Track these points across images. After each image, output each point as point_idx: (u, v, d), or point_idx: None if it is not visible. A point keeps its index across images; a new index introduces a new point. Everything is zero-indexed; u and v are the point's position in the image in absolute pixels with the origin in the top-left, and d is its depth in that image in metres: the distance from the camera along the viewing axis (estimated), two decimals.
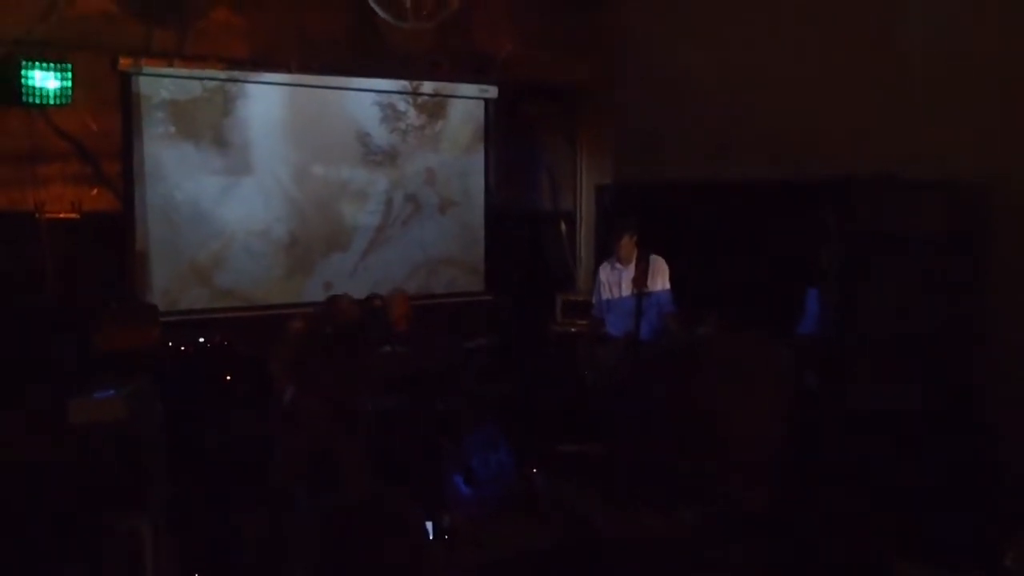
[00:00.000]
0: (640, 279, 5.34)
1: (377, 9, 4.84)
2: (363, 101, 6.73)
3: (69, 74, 5.20)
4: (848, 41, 5.72)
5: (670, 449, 5.00)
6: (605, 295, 5.64)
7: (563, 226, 7.73)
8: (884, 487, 4.77)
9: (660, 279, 5.42)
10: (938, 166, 5.08)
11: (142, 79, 5.83)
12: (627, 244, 5.47)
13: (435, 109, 7.06)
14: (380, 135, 6.79)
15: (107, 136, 5.71)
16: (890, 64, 5.53)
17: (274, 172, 6.37)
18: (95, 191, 5.67)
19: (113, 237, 5.73)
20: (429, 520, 2.99)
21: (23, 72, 5.08)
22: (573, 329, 6.40)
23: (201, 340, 5.70)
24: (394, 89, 6.82)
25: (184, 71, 5.93)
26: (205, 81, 6.05)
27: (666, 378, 5.04)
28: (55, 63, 5.15)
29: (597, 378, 5.46)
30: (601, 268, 5.69)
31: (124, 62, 5.70)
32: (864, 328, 5.03)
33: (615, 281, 5.58)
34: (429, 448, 5.08)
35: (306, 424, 4.71)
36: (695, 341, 5.21)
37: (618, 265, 5.56)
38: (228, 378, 5.55)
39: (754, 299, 5.32)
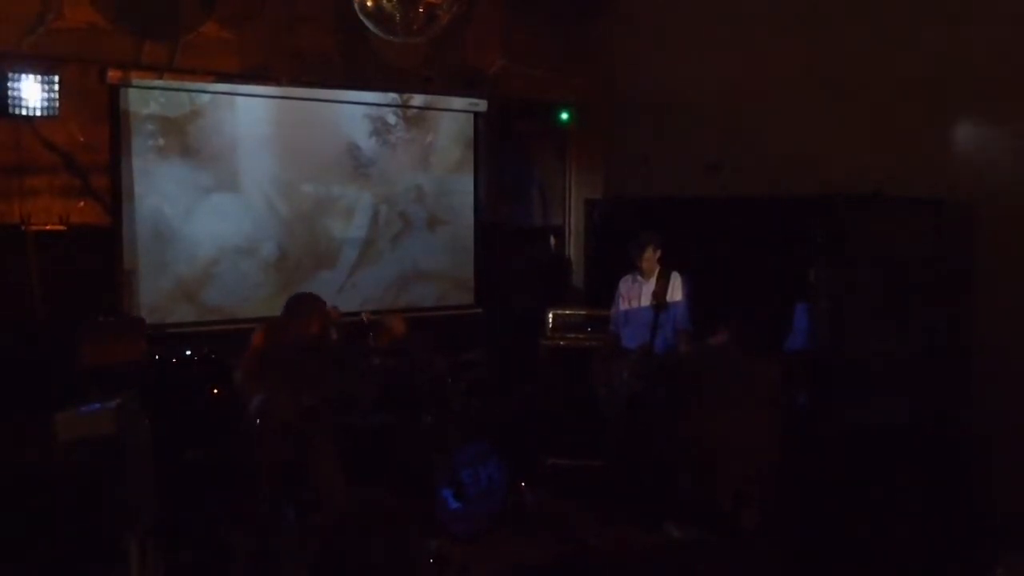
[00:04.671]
0: (660, 293, 5.39)
1: (368, 23, 4.84)
2: (353, 114, 6.72)
3: (56, 86, 5.17)
4: (837, 61, 5.77)
5: (666, 465, 5.00)
6: (623, 307, 5.68)
7: (553, 240, 7.75)
8: (874, 503, 4.79)
9: (679, 295, 5.47)
10: (925, 184, 5.12)
11: (131, 92, 5.80)
12: (649, 258, 5.54)
13: (425, 123, 7.07)
14: (369, 148, 6.79)
15: (95, 149, 5.68)
16: (878, 83, 5.58)
17: (262, 187, 6.34)
18: (82, 204, 5.63)
19: (100, 250, 5.68)
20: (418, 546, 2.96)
21: (9, 83, 5.05)
22: (563, 343, 6.39)
23: (188, 353, 5.66)
24: (384, 102, 6.82)
25: (173, 84, 5.91)
26: (194, 95, 6.02)
27: (667, 393, 5.05)
28: (42, 74, 5.13)
29: (610, 393, 5.48)
30: (622, 281, 5.74)
31: (113, 75, 5.67)
32: (853, 344, 5.05)
33: (635, 294, 5.63)
34: (419, 463, 5.05)
35: (274, 434, 4.67)
36: (696, 356, 5.25)
37: (640, 278, 5.61)
38: (215, 391, 5.51)
39: (744, 315, 5.34)
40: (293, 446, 4.67)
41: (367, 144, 6.78)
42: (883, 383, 5.00)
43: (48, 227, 5.38)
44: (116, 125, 5.77)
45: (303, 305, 5.06)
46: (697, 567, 4.57)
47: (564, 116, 7.49)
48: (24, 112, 5.11)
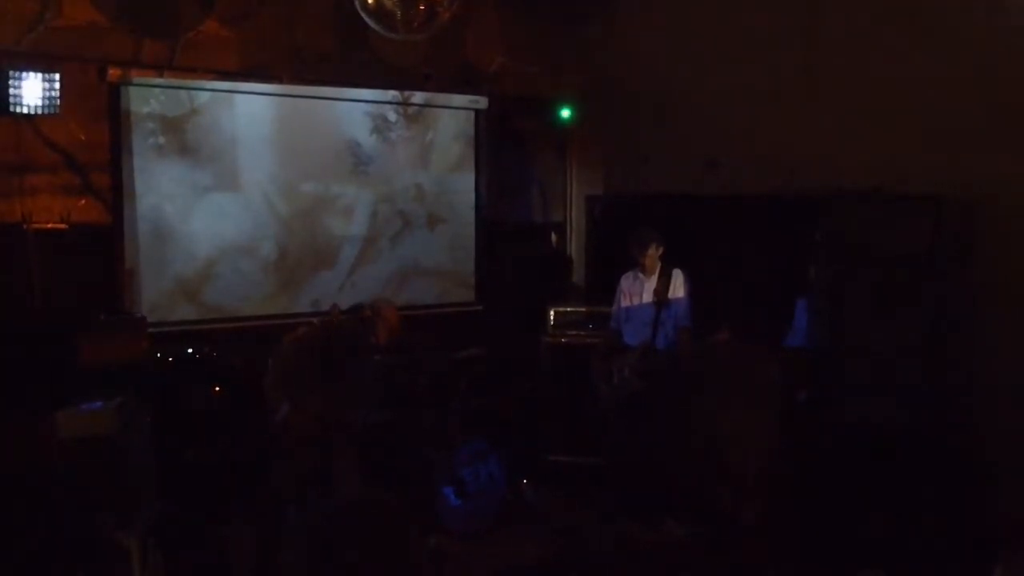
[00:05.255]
0: (661, 290, 5.40)
1: (368, 20, 4.84)
2: (353, 112, 6.72)
3: (57, 84, 5.17)
4: (834, 58, 5.77)
5: (666, 462, 5.01)
6: (625, 303, 5.68)
7: (553, 237, 7.76)
8: (873, 500, 4.79)
9: (680, 292, 5.48)
10: (924, 181, 5.12)
11: (131, 90, 5.80)
12: (651, 255, 5.55)
13: (425, 120, 7.06)
14: (370, 145, 6.79)
15: (96, 147, 5.68)
16: (876, 81, 5.58)
17: (262, 186, 6.34)
18: (83, 202, 5.64)
19: (101, 249, 5.69)
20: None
21: (10, 81, 5.05)
22: (564, 340, 6.40)
23: (190, 351, 5.67)
24: (384, 100, 6.82)
25: (173, 82, 5.91)
26: (194, 93, 6.02)
27: (668, 390, 5.06)
28: (43, 72, 5.13)
29: (611, 390, 5.49)
30: (623, 277, 5.74)
31: (113, 73, 5.67)
32: (852, 341, 5.05)
33: (636, 291, 5.63)
34: (420, 461, 5.07)
35: (300, 443, 4.68)
36: (697, 352, 5.25)
37: (641, 275, 5.62)
38: (217, 389, 5.52)
39: (743, 311, 5.35)
40: (317, 455, 4.67)
41: (367, 141, 6.78)
42: (882, 380, 5.00)
43: (49, 226, 5.39)
44: (116, 123, 5.77)
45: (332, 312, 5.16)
46: (698, 564, 4.58)
47: (565, 113, 7.49)
48: (25, 110, 5.11)
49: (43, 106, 5.14)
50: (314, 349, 4.92)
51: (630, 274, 5.73)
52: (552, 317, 6.51)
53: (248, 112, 6.25)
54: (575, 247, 7.78)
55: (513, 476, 5.43)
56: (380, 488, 4.75)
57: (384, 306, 5.68)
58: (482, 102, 7.22)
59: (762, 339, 5.22)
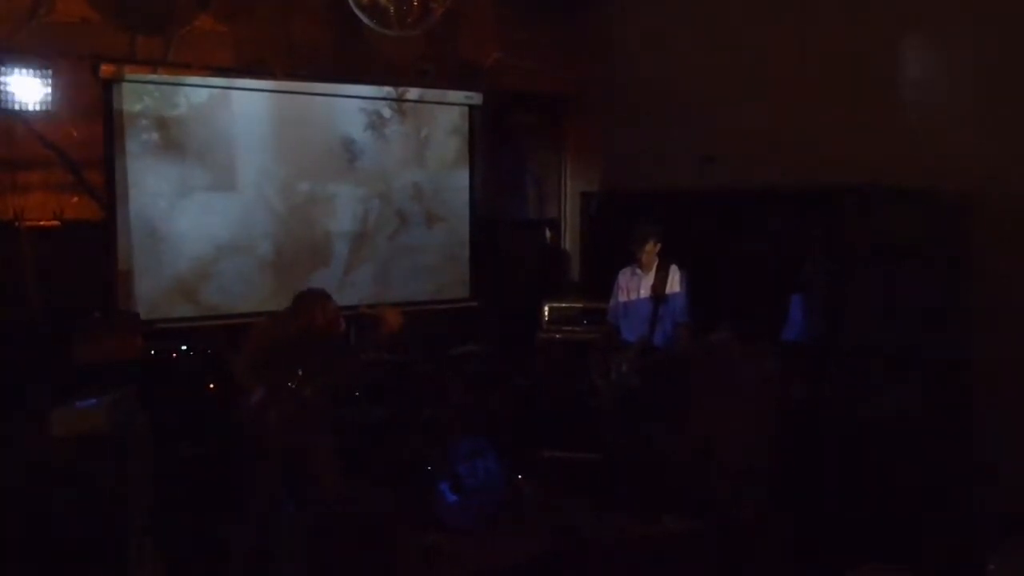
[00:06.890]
0: (659, 286, 5.40)
1: (362, 16, 4.83)
2: (348, 108, 6.70)
3: (50, 80, 5.15)
4: (833, 53, 5.77)
5: (664, 458, 5.01)
6: (622, 299, 5.69)
7: (548, 234, 7.75)
8: (870, 495, 4.80)
9: (678, 288, 5.48)
10: (921, 176, 5.12)
11: (124, 87, 5.77)
12: (650, 250, 5.54)
13: (420, 116, 7.04)
14: (364, 141, 6.76)
15: (89, 144, 5.65)
16: (875, 76, 5.58)
17: (257, 183, 6.32)
18: (76, 200, 5.61)
19: (95, 246, 5.66)
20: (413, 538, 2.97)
21: (2, 78, 5.02)
22: (559, 336, 6.40)
23: (184, 348, 5.65)
24: (379, 96, 6.80)
25: (167, 78, 5.88)
26: (188, 90, 5.99)
27: (665, 387, 5.06)
28: (35, 69, 5.10)
29: (608, 386, 5.49)
30: (621, 273, 5.75)
31: (106, 69, 5.65)
32: (849, 336, 5.05)
33: (634, 286, 5.64)
34: (416, 457, 5.06)
35: (273, 425, 4.66)
36: (694, 349, 5.25)
37: (639, 271, 5.63)
38: (212, 386, 5.51)
39: (740, 307, 5.35)
40: (293, 439, 4.66)
41: (362, 137, 6.76)
42: (879, 375, 5.01)
43: (42, 223, 5.37)
44: (109, 121, 5.74)
45: (307, 299, 5.05)
46: (694, 559, 4.59)
47: (560, 109, 7.46)
48: (17, 107, 5.09)
49: (36, 103, 5.12)
50: (289, 333, 4.89)
51: (628, 269, 5.73)
52: (547, 313, 6.50)
53: (242, 109, 6.22)
54: (570, 243, 7.77)
55: (510, 472, 5.43)
56: (372, 484, 4.76)
57: (384, 309, 5.66)
58: (477, 98, 7.20)
59: (760, 334, 5.22)
